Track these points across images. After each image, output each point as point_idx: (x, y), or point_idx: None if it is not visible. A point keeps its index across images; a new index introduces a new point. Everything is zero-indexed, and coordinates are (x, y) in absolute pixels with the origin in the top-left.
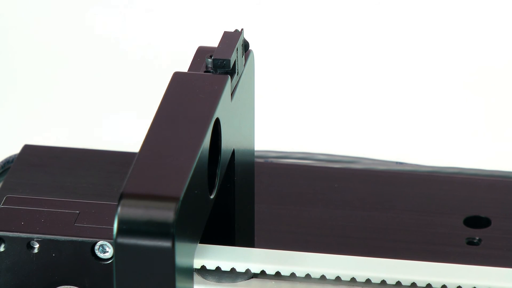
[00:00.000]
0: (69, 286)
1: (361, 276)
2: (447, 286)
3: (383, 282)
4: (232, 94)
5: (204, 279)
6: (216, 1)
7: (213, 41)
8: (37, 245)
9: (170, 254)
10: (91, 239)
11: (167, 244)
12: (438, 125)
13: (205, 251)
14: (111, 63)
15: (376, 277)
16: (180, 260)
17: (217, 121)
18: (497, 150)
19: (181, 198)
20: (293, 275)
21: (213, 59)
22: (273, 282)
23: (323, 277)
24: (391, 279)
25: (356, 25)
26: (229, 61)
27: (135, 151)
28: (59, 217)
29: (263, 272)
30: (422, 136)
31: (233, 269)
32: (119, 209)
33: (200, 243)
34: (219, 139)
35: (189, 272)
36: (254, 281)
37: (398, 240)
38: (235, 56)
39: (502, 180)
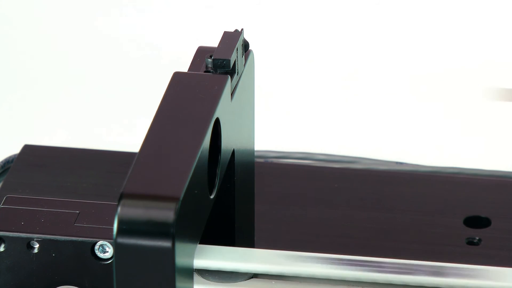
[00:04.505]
0: (69, 286)
1: (361, 276)
2: (447, 286)
3: (383, 282)
4: (232, 94)
5: (204, 279)
6: (216, 1)
7: (213, 41)
8: (37, 245)
9: (170, 254)
10: (91, 239)
11: (167, 244)
12: (438, 125)
13: (205, 251)
14: (111, 63)
15: (376, 277)
16: (180, 260)
17: (217, 121)
18: (497, 150)
19: (181, 198)
20: (293, 275)
21: (213, 59)
22: (273, 282)
23: (323, 277)
24: (391, 279)
25: (356, 25)
26: (229, 61)
27: (135, 151)
28: (59, 217)
29: (263, 272)
30: (422, 136)
31: (233, 269)
32: (119, 209)
33: (200, 243)
34: (219, 139)
35: (189, 272)
36: (254, 281)
37: (398, 240)
38: (235, 56)
39: (502, 180)
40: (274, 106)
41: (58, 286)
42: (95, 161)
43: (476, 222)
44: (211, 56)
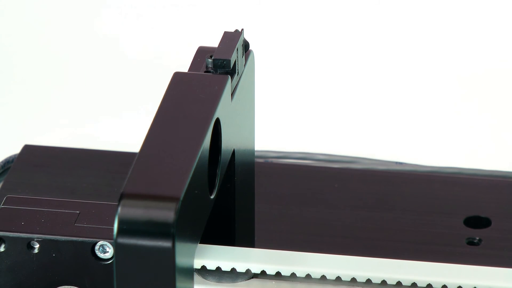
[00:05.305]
0: (69, 286)
1: (361, 276)
2: (447, 286)
3: (383, 282)
4: (232, 94)
5: (204, 279)
6: (216, 1)
7: (213, 41)
8: (37, 245)
9: (170, 254)
10: (91, 239)
11: (167, 244)
12: (438, 125)
13: (205, 251)
14: (111, 63)
15: (376, 277)
16: (180, 260)
17: (217, 121)
18: (497, 150)
19: (181, 198)
20: (293, 275)
21: (214, 59)
22: (273, 282)
23: (323, 277)
24: (391, 279)
25: (356, 25)
26: (229, 61)
27: (135, 151)
28: (59, 217)
29: (263, 272)
30: (422, 136)
31: (233, 269)
32: (119, 209)
33: (200, 243)
34: (219, 139)
35: (189, 272)
36: (254, 281)
37: (398, 240)
38: (235, 56)
39: (502, 180)
40: (274, 106)
41: (58, 286)
42: (95, 161)
43: (476, 222)
44: (211, 56)
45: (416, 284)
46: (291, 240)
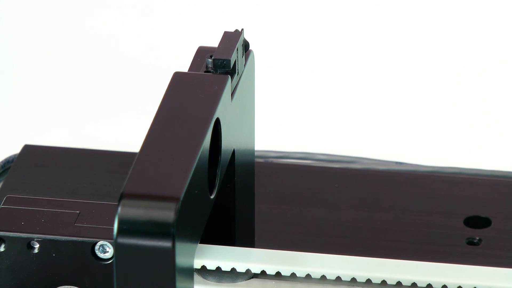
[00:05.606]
0: (69, 286)
1: (361, 276)
2: (447, 286)
3: (383, 282)
4: (232, 94)
5: (204, 279)
6: (216, 1)
7: (213, 41)
8: (37, 245)
9: (170, 254)
10: (91, 239)
11: (167, 244)
12: (438, 125)
13: (205, 251)
14: (111, 63)
15: (376, 277)
16: (180, 260)
17: (217, 121)
18: (497, 150)
19: (181, 198)
20: (293, 275)
21: (214, 59)
22: (273, 282)
23: (323, 277)
24: (391, 279)
25: (356, 25)
26: (229, 61)
27: (135, 151)
28: (59, 217)
29: (263, 272)
30: (422, 136)
31: (233, 269)
32: (119, 209)
33: (200, 243)
34: (219, 139)
35: (189, 272)
36: (254, 281)
37: (398, 240)
38: (235, 56)
39: (502, 180)
40: (274, 106)
41: (58, 286)
42: (95, 161)
43: (476, 222)
44: (211, 56)
45: (416, 284)
46: (291, 240)
